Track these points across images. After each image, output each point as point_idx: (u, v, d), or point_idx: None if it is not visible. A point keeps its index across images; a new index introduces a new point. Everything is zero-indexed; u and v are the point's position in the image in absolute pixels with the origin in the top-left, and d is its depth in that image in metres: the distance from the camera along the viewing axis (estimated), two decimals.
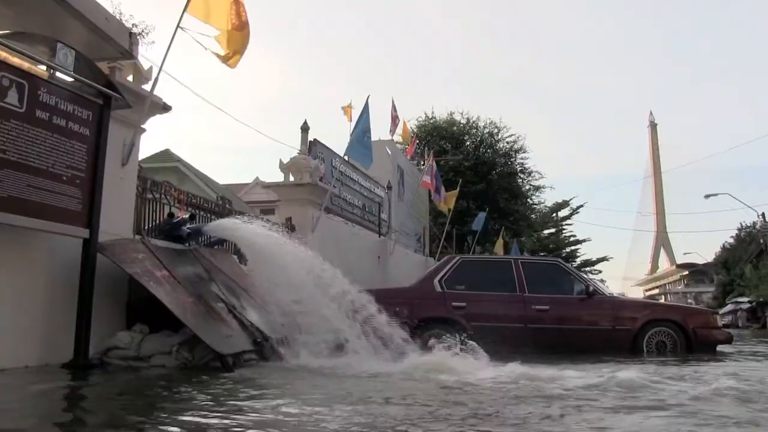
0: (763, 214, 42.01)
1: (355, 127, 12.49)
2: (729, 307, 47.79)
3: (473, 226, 24.29)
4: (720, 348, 8.82)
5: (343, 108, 15.21)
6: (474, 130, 33.28)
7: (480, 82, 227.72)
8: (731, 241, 59.17)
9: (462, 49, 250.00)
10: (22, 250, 5.43)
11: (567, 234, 49.13)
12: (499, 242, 27.09)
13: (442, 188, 19.29)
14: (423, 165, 20.48)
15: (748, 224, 53.07)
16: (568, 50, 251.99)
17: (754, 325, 41.04)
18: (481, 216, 24.23)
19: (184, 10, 6.81)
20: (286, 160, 11.81)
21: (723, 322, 17.57)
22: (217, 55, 7.04)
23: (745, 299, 45.41)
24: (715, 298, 59.35)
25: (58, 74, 5.60)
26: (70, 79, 5.67)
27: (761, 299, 41.65)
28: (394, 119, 19.38)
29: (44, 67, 5.47)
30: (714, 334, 8.75)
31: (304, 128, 12.62)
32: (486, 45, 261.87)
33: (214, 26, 6.94)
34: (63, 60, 5.46)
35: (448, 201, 20.02)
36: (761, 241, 41.98)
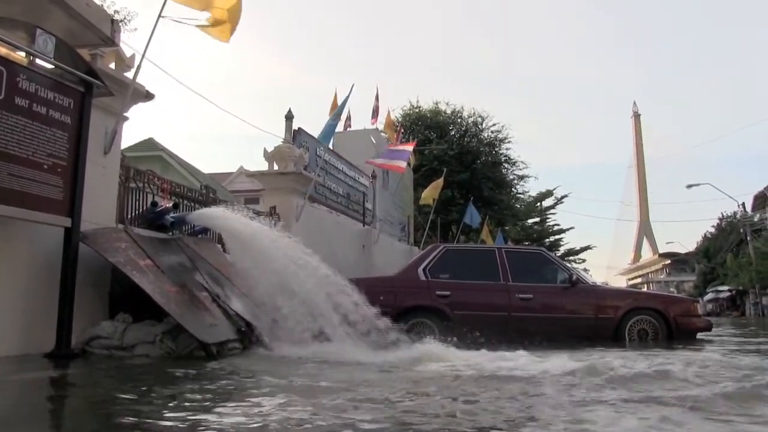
0: (743, 204, 42.60)
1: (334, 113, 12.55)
2: (710, 296, 48.48)
3: (470, 222, 24.00)
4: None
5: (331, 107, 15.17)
6: (459, 120, 33.27)
7: (466, 73, 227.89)
8: (712, 230, 59.94)
9: (448, 40, 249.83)
10: (3, 240, 5.37)
11: (551, 223, 49.41)
12: (486, 231, 27.10)
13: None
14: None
15: (729, 214, 53.79)
16: (553, 41, 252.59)
17: (734, 313, 41.67)
18: (474, 212, 23.96)
19: None
20: (270, 149, 11.75)
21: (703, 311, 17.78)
22: (205, 28, 6.91)
23: (726, 288, 46.09)
24: (697, 287, 60.14)
25: (38, 61, 5.53)
26: (50, 66, 5.60)
27: (740, 288, 42.28)
28: (376, 109, 19.35)
29: (23, 54, 5.39)
30: (694, 322, 8.86)
31: (289, 117, 12.53)
32: (471, 37, 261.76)
33: (198, 8, 6.84)
34: (43, 46, 5.38)
35: (432, 191, 19.94)
36: (741, 230, 42.51)
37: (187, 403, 3.43)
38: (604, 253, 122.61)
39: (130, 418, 3.04)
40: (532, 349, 6.09)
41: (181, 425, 2.83)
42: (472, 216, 23.75)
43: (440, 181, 20.29)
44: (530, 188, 42.61)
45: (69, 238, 5.72)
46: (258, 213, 9.37)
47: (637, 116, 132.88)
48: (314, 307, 6.57)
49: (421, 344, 6.26)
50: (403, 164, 16.59)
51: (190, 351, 5.83)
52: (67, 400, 3.96)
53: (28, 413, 3.34)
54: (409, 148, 16.96)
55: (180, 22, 6.73)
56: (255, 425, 2.79)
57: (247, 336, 6.45)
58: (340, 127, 13.85)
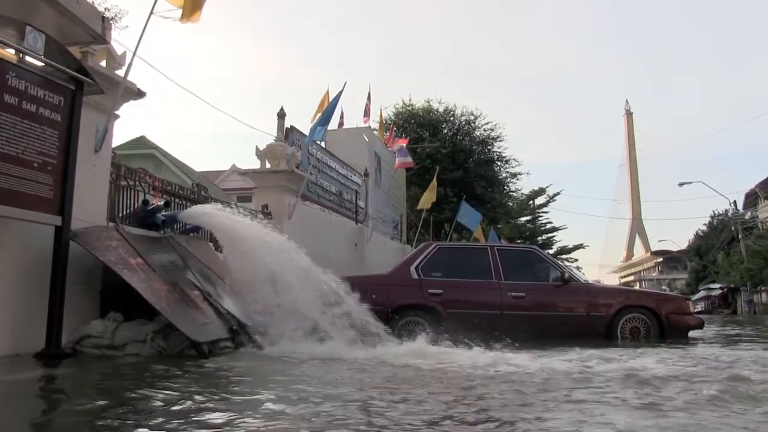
0: (734, 202, 42.86)
1: (324, 111, 12.50)
2: (701, 294, 48.69)
3: (469, 224, 23.66)
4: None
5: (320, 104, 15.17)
6: (451, 118, 33.26)
7: (465, 72, 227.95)
8: (704, 228, 60.32)
9: (441, 38, 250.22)
10: None
11: (543, 221, 49.52)
12: (478, 229, 27.07)
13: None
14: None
15: (721, 212, 54.13)
16: (546, 39, 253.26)
17: (725, 311, 41.88)
18: (471, 211, 23.60)
19: None
20: (262, 147, 11.73)
21: (696, 309, 17.79)
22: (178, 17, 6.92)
23: (717, 285, 46.30)
24: (689, 285, 60.48)
25: (28, 58, 5.48)
26: (40, 64, 5.56)
27: (732, 285, 42.50)
28: (367, 107, 19.46)
29: (13, 51, 5.35)
30: (686, 319, 8.88)
31: (281, 115, 12.50)
32: (464, 34, 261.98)
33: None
34: (33, 44, 5.34)
35: (428, 195, 19.85)
36: (733, 228, 42.73)
37: (176, 402, 3.42)
38: (597, 251, 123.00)
39: (117, 421, 3.02)
40: (522, 348, 6.10)
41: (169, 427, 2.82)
42: (470, 216, 23.45)
43: (434, 183, 20.26)
44: (522, 186, 42.64)
45: (59, 237, 5.68)
46: (251, 211, 9.34)
47: (629, 114, 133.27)
48: (305, 305, 6.57)
49: (411, 342, 6.27)
50: (410, 159, 18.11)
51: (182, 350, 5.82)
52: (53, 402, 3.93)
53: (10, 415, 3.31)
54: (404, 143, 17.50)
55: (170, 18, 6.71)
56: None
57: (239, 334, 6.43)
58: (333, 125, 13.82)
